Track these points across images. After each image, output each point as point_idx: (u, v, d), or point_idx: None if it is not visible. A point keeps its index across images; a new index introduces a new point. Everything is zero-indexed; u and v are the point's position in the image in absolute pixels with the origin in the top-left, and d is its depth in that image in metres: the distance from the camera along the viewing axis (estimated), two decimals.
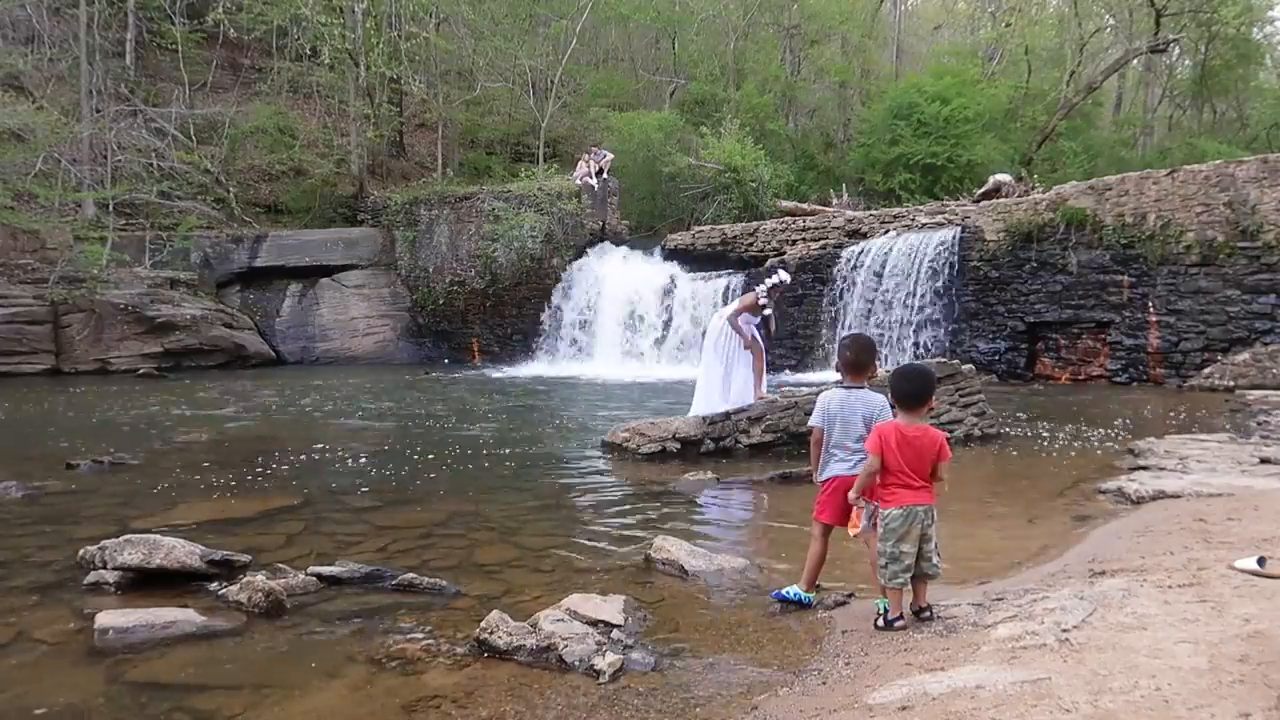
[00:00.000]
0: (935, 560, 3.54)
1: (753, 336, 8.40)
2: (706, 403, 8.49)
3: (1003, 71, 30.41)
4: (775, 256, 18.88)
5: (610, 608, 3.68)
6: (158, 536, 4.44)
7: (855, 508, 3.59)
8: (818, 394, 8.30)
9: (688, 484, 6.86)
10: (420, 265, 22.69)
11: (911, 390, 3.60)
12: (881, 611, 3.53)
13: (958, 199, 20.34)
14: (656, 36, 32.96)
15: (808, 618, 3.79)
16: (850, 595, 3.96)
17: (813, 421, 3.93)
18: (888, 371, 4.52)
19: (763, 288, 8.31)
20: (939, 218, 17.65)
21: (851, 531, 3.64)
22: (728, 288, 18.69)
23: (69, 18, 23.63)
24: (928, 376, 3.76)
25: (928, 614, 3.51)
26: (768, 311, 8.34)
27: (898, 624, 3.45)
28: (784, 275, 8.48)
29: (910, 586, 3.55)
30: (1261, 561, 3.76)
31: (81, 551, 4.53)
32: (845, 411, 3.83)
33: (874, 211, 19.69)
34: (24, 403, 13.01)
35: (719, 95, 28.77)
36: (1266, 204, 13.82)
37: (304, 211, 23.87)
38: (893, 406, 3.72)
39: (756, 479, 6.96)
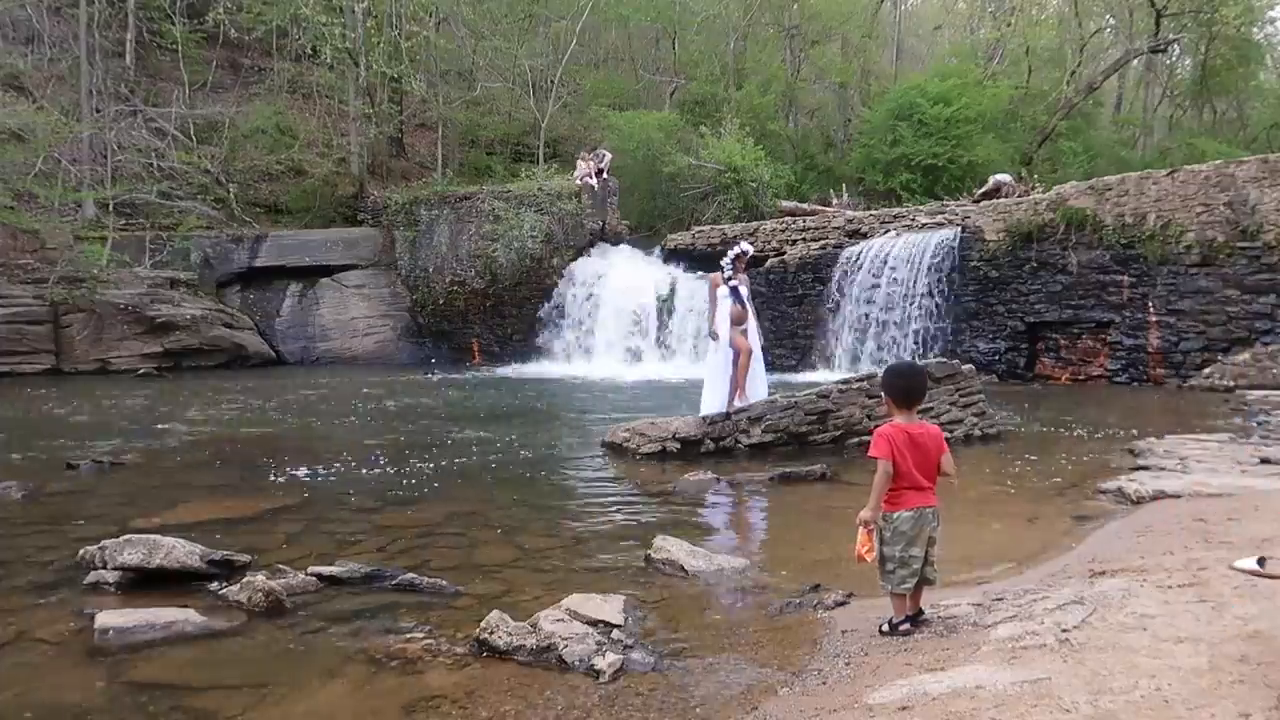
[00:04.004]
0: (935, 565, 3.47)
1: (739, 306, 8.36)
2: (715, 401, 8.46)
3: (1003, 71, 30.41)
4: (775, 256, 18.89)
5: (610, 608, 3.67)
6: (158, 536, 4.44)
7: (866, 529, 3.37)
8: (818, 394, 8.34)
9: (688, 484, 6.86)
10: (420, 265, 22.69)
11: (910, 386, 3.54)
12: (886, 617, 3.50)
13: (958, 199, 20.35)
14: (656, 36, 32.96)
15: (808, 618, 3.79)
16: (850, 595, 3.96)
17: None
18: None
19: (725, 260, 8.36)
20: (939, 218, 17.66)
21: (868, 556, 3.41)
22: None
23: (69, 18, 23.63)
24: (922, 372, 3.78)
25: (923, 617, 3.48)
26: (733, 283, 8.32)
27: (903, 628, 3.41)
28: (745, 245, 8.56)
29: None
30: (1261, 561, 3.75)
31: (81, 551, 4.53)
32: None
33: (874, 211, 19.69)
34: (24, 403, 13.01)
35: (719, 95, 28.77)
36: (1266, 204, 13.82)
37: (304, 211, 23.86)
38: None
39: (756, 479, 6.96)
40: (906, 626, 3.41)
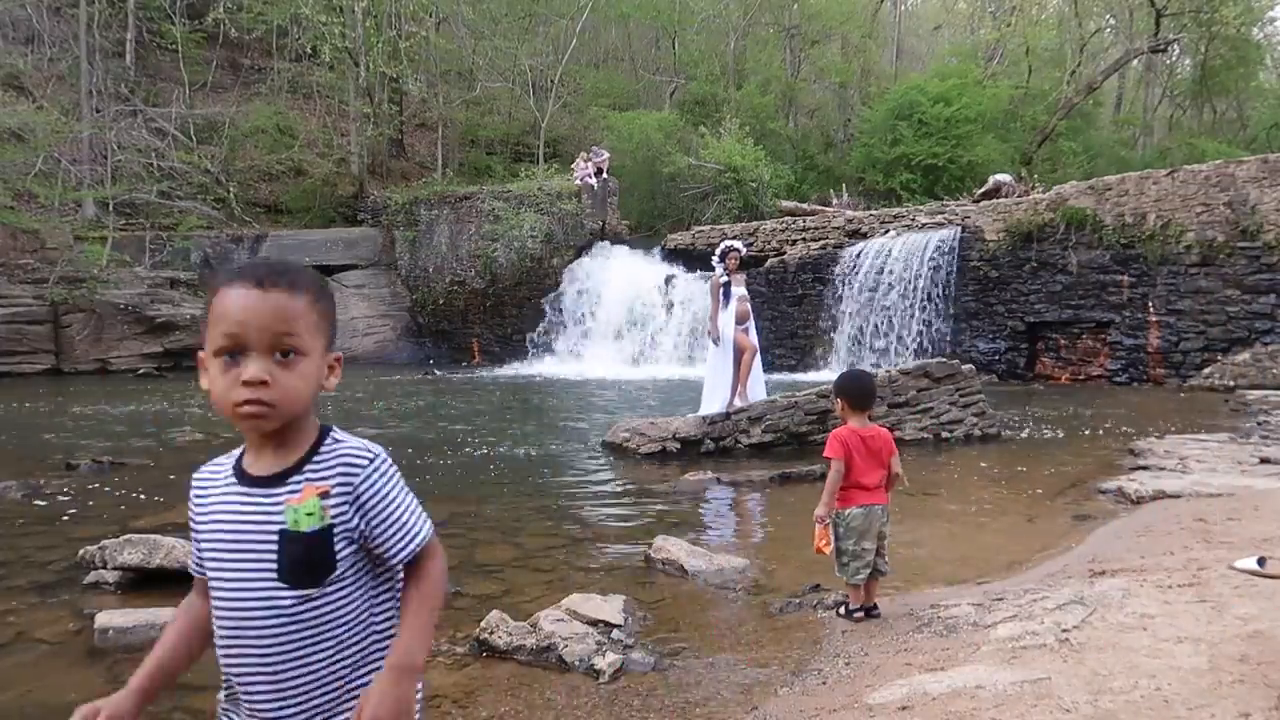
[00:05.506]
0: (886, 558, 3.71)
1: (744, 305, 8.45)
2: (715, 401, 8.49)
3: (1003, 71, 30.42)
4: (775, 256, 18.90)
5: (610, 608, 3.67)
6: (158, 536, 4.43)
7: (821, 525, 3.61)
8: (818, 394, 8.35)
9: (688, 484, 6.85)
10: (420, 265, 22.70)
11: (864, 391, 3.81)
12: (843, 600, 3.75)
13: (958, 199, 20.36)
14: (656, 36, 33.00)
15: (808, 617, 3.79)
16: (849, 596, 3.96)
17: None
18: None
19: (715, 258, 8.49)
20: (939, 218, 17.67)
21: (826, 549, 3.64)
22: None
23: (69, 18, 23.65)
24: (873, 379, 4.05)
25: (876, 612, 3.66)
26: (725, 279, 8.41)
27: (856, 615, 3.63)
28: (736, 242, 8.68)
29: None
30: (1261, 561, 3.75)
31: (81, 551, 4.52)
32: None
33: (874, 211, 19.71)
34: (24, 403, 13.01)
35: (719, 95, 28.79)
36: (1266, 204, 13.82)
37: (304, 211, 23.89)
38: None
39: (756, 479, 6.96)
40: (860, 615, 3.62)
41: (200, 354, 1.36)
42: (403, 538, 1.38)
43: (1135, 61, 30.73)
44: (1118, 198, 15.28)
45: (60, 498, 6.43)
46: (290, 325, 1.31)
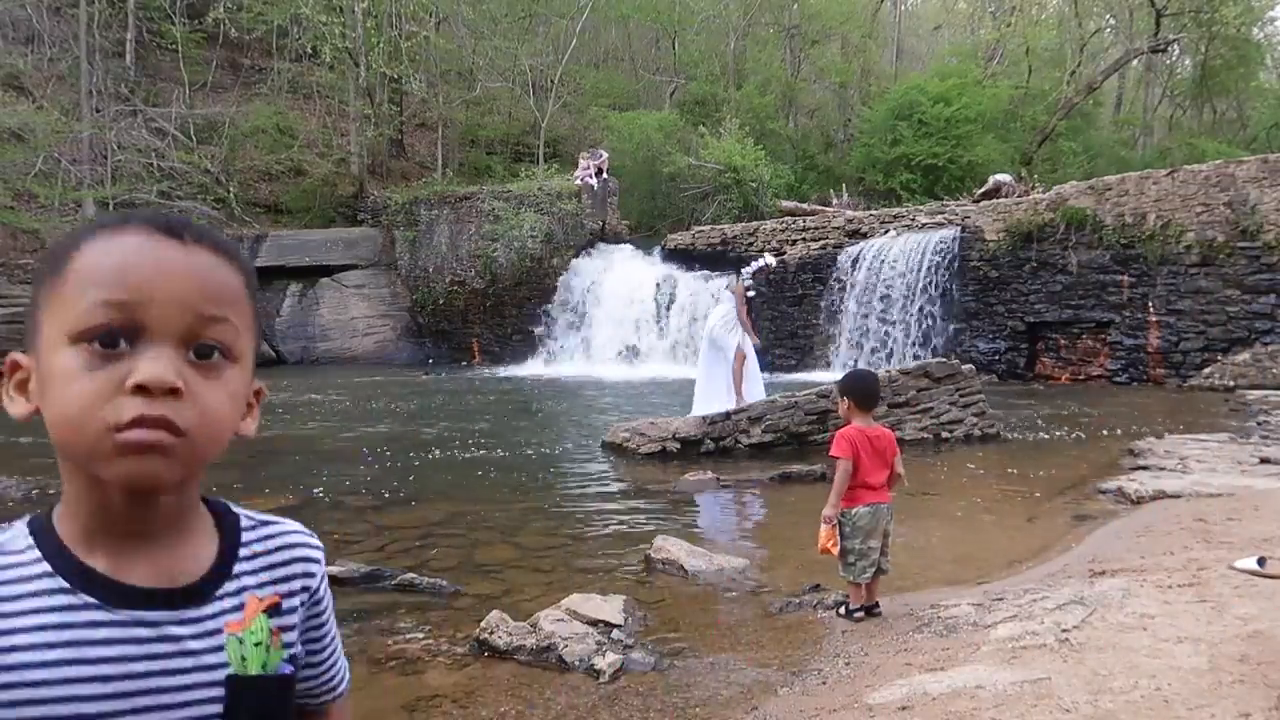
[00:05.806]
0: (888, 556, 3.74)
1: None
2: (708, 402, 8.52)
3: (1003, 71, 30.43)
4: (775, 256, 18.89)
5: (610, 608, 3.67)
6: None
7: (829, 525, 3.63)
8: (818, 393, 8.35)
9: (688, 484, 6.86)
10: (420, 265, 22.70)
11: (872, 391, 3.86)
12: (843, 600, 3.76)
13: (958, 199, 20.36)
14: (656, 36, 33.00)
15: (808, 618, 3.79)
16: (849, 596, 3.97)
17: None
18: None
19: (748, 271, 8.53)
20: (939, 218, 17.66)
21: (834, 549, 3.66)
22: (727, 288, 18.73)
23: (69, 18, 23.63)
24: (878, 379, 4.14)
25: (878, 610, 3.68)
26: (751, 294, 8.53)
27: (857, 615, 3.64)
28: (769, 259, 8.72)
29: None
30: (1261, 561, 3.76)
31: None
32: None
33: (874, 211, 19.70)
34: None
35: (719, 95, 28.80)
36: (1266, 204, 13.82)
37: (304, 211, 23.88)
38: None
39: (756, 479, 6.96)
40: (861, 615, 3.64)
41: (15, 357, 0.81)
42: (343, 668, 1.02)
43: (1135, 61, 30.73)
44: (1118, 198, 15.28)
45: (60, 498, 6.43)
46: (222, 305, 0.77)
